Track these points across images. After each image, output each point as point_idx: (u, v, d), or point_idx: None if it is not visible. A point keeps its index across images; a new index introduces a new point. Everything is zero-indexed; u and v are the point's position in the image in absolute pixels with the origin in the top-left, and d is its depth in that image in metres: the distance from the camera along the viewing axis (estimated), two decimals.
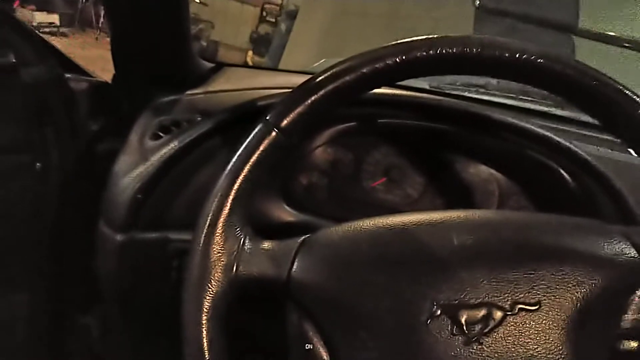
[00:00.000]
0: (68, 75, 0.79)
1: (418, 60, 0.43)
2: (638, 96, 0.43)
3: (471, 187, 0.72)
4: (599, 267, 0.39)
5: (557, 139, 0.63)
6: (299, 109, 0.43)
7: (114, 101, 0.79)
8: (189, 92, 0.73)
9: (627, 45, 1.16)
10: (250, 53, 6.88)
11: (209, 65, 0.82)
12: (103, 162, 0.68)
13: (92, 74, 0.83)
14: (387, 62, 0.43)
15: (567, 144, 0.63)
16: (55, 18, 6.30)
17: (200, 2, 6.26)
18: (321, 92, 0.43)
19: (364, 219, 0.44)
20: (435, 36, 0.43)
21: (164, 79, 0.74)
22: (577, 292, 0.38)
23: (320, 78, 0.44)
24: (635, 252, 0.41)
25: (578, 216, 0.63)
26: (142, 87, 0.75)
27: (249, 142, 0.43)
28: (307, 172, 0.72)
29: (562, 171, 0.64)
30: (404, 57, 0.42)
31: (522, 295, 0.38)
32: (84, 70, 0.82)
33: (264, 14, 7.18)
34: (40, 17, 6.15)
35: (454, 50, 0.42)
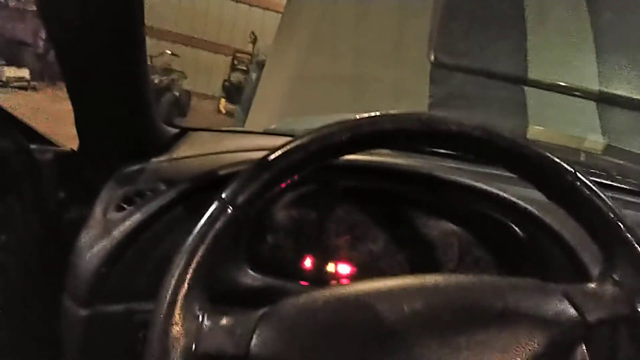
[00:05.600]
0: (32, 146, 0.79)
1: (362, 138, 0.46)
2: (564, 162, 0.46)
3: (432, 241, 0.74)
4: (541, 327, 0.42)
5: (504, 195, 0.66)
6: (253, 187, 0.45)
7: (79, 170, 0.80)
8: (154, 159, 0.75)
9: (574, 93, 1.24)
10: (223, 101, 6.97)
11: (174, 130, 0.85)
12: (69, 232, 0.68)
13: (57, 144, 0.83)
14: (334, 140, 0.46)
15: (515, 200, 0.66)
16: (25, 72, 6.28)
17: (172, 54, 6.37)
18: (274, 170, 0.46)
19: (320, 288, 0.46)
20: (378, 114, 0.46)
21: (129, 148, 0.76)
22: (520, 353, 0.40)
23: (272, 156, 0.46)
24: (574, 310, 0.43)
25: (530, 267, 0.66)
26: (107, 156, 0.76)
27: (205, 220, 0.45)
28: (272, 235, 0.73)
29: (513, 226, 0.68)
30: (349, 135, 0.45)
31: (470, 359, 0.40)
32: (49, 140, 0.83)
33: (236, 62, 7.33)
34: (10, 72, 6.13)
35: (395, 127, 0.45)
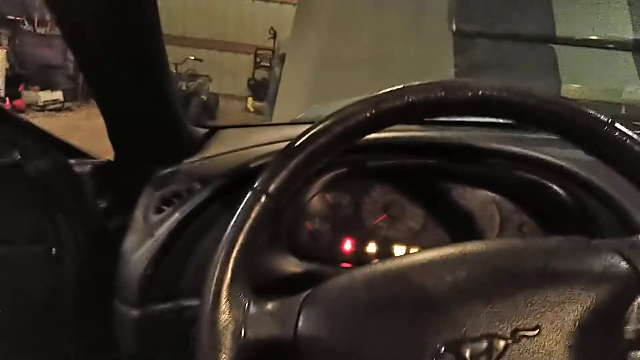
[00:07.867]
0: (71, 161, 0.82)
1: (387, 112, 0.45)
2: (597, 113, 0.45)
3: (471, 212, 0.73)
4: (592, 284, 0.40)
5: (541, 156, 0.64)
6: (284, 174, 0.46)
7: (117, 179, 0.82)
8: (186, 160, 0.77)
9: (607, 45, 1.19)
10: (250, 100, 7.04)
11: (203, 130, 0.86)
12: (114, 239, 0.71)
13: (94, 156, 0.86)
14: (359, 118, 0.45)
15: (553, 159, 0.64)
16: (59, 95, 6.52)
17: (195, 59, 6.46)
18: (302, 155, 0.46)
19: (360, 267, 0.46)
20: (400, 87, 0.45)
21: (161, 152, 0.77)
22: (574, 311, 0.39)
23: (299, 142, 0.46)
24: (626, 263, 0.41)
25: (576, 227, 0.64)
26: (142, 162, 0.78)
27: (240, 211, 0.46)
28: (309, 221, 0.74)
29: (555, 186, 0.66)
30: (373, 112, 0.45)
31: (520, 322, 0.39)
32: (86, 154, 0.86)
33: (258, 60, 7.37)
34: (45, 96, 6.37)
35: (420, 98, 0.45)
